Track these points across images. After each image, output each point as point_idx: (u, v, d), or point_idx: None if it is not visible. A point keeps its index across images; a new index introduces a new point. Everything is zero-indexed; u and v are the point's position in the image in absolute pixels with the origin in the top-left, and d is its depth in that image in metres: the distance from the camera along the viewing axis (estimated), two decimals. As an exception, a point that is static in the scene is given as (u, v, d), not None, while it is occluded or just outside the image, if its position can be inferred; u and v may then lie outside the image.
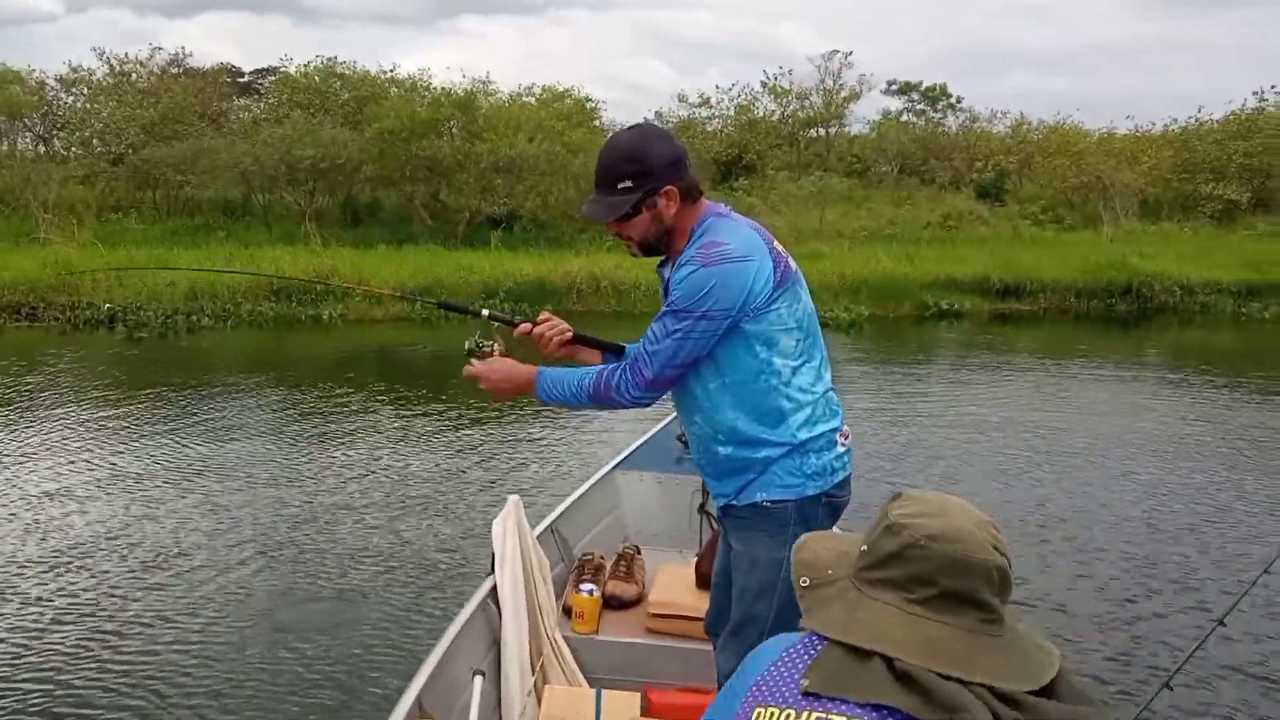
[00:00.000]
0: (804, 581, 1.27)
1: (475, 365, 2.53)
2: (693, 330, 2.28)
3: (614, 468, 4.58)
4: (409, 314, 16.35)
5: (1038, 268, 19.58)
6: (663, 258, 2.53)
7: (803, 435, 2.38)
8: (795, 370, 2.38)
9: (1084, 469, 7.91)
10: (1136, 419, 9.78)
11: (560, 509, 4.10)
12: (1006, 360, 13.62)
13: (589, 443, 8.53)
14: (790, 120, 32.05)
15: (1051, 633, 4.65)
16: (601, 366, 2.44)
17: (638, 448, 4.74)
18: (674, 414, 4.92)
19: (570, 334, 2.65)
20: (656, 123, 31.58)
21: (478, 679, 2.74)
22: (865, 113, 36.08)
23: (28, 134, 25.85)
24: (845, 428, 2.49)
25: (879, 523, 1.24)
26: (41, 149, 25.89)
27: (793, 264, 2.42)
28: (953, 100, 33.43)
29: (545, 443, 8.55)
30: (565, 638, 3.31)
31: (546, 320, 2.65)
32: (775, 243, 2.41)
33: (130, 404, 9.75)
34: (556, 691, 2.93)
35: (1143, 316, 18.50)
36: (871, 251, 21.11)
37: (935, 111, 33.71)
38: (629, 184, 2.33)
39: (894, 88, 34.15)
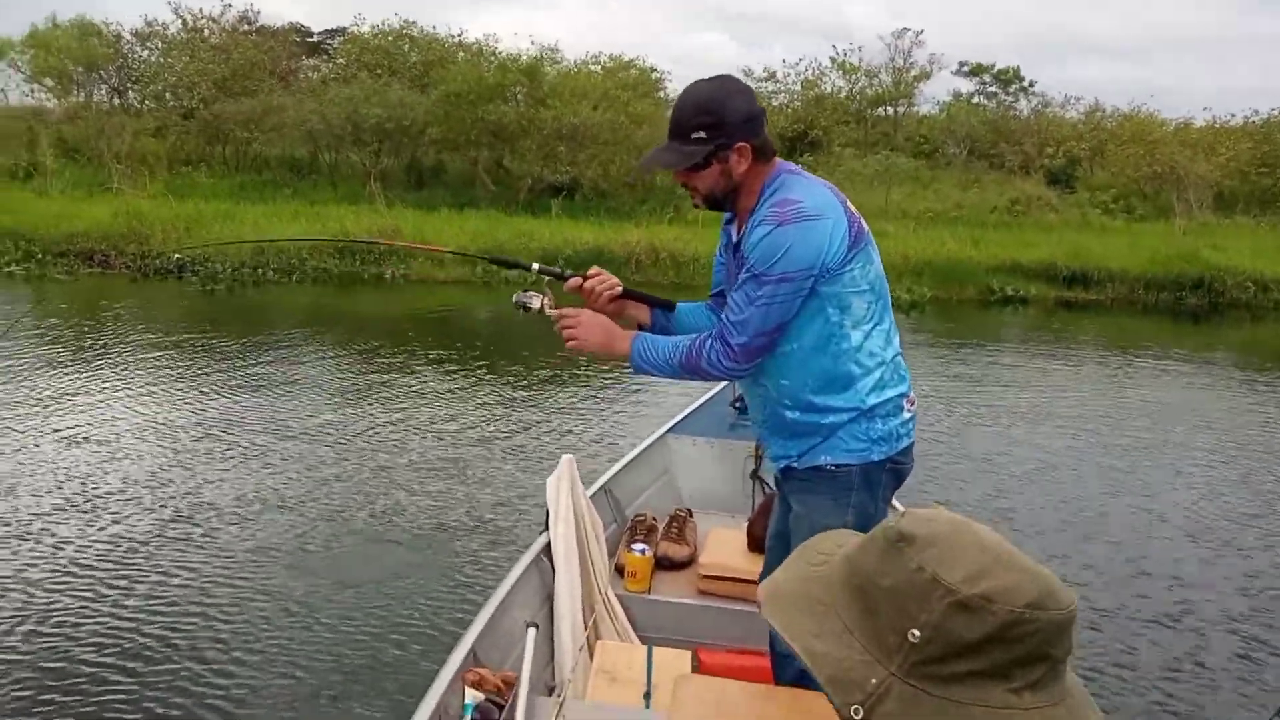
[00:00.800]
0: (855, 713, 0.90)
1: (567, 311, 2.47)
2: (776, 294, 2.23)
3: (667, 431, 4.59)
4: (470, 276, 16.46)
5: (1106, 256, 19.16)
6: (729, 215, 2.50)
7: (871, 400, 2.35)
8: (867, 334, 2.34)
9: (1147, 467, 7.66)
10: (1204, 417, 9.53)
11: (613, 470, 4.13)
12: (1071, 349, 13.40)
13: (642, 407, 8.55)
14: (858, 97, 31.63)
15: (1112, 644, 4.56)
16: (694, 336, 2.39)
17: (691, 413, 4.75)
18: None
19: (620, 289, 2.62)
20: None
21: (531, 631, 2.77)
22: (935, 93, 35.56)
23: (103, 86, 26.27)
24: (912, 394, 2.46)
25: (912, 587, 0.89)
26: (116, 101, 26.32)
27: (865, 225, 2.36)
28: (1025, 84, 32.82)
29: (598, 406, 8.59)
30: (617, 595, 3.33)
31: (597, 274, 2.61)
32: (848, 202, 2.36)
33: (194, 352, 9.94)
34: (608, 646, 2.95)
35: (1213, 311, 18.03)
36: (937, 233, 20.82)
37: (1007, 95, 33.10)
38: (703, 134, 2.28)
39: (965, 69, 33.59)
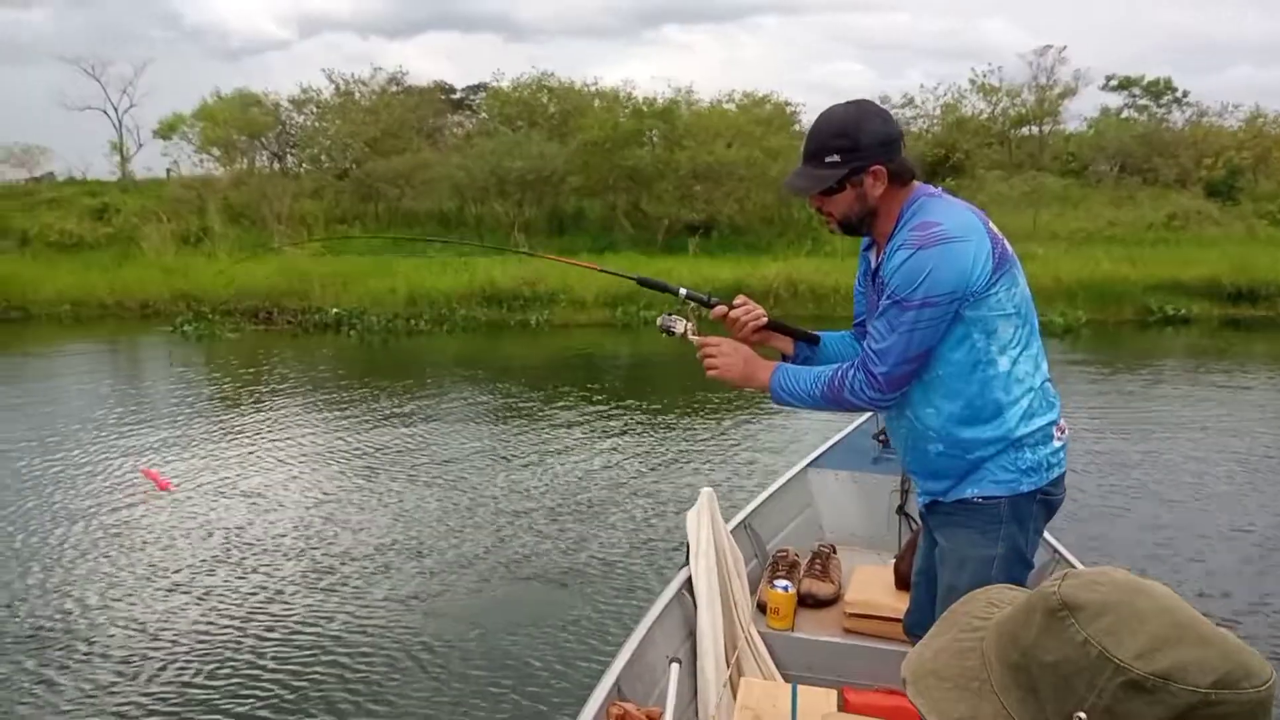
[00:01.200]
0: None
1: (709, 339, 2.45)
2: (919, 320, 2.16)
3: (807, 465, 4.53)
4: (610, 319, 16.75)
5: (1276, 270, 18.14)
6: (868, 241, 2.46)
7: (1020, 429, 2.26)
8: (1014, 360, 2.25)
9: None
10: None
11: (754, 505, 4.08)
12: (1240, 371, 12.63)
13: (783, 440, 8.47)
14: (1000, 118, 30.89)
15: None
16: (836, 366, 2.34)
17: (832, 446, 4.67)
18: (869, 413, 4.86)
19: (765, 319, 2.58)
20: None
21: (674, 667, 2.77)
22: (1082, 109, 34.32)
23: (264, 152, 27.84)
24: (1062, 421, 2.36)
25: (1078, 664, 0.79)
26: (276, 165, 27.84)
27: (1009, 246, 2.28)
28: (1178, 94, 31.46)
29: (739, 439, 8.55)
30: (760, 633, 3.31)
31: (743, 304, 2.58)
32: (990, 223, 2.28)
33: (345, 403, 10.34)
34: (752, 684, 2.93)
35: (1396, 323, 16.85)
36: (1089, 253, 20.08)
37: (1159, 106, 31.78)
38: (836, 158, 2.23)
39: (1113, 83, 32.41)
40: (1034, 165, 27.94)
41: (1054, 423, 2.33)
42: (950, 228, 2.16)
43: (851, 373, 2.28)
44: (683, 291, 2.59)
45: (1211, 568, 5.59)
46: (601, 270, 3.02)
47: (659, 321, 2.53)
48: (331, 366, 13.26)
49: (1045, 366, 2.36)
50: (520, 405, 10.23)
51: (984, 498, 2.31)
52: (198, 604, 5.08)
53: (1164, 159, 28.48)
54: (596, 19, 69.73)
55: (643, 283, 2.77)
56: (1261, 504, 6.85)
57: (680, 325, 2.50)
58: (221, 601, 5.13)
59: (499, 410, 9.95)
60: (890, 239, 2.27)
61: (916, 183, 2.32)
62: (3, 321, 17.26)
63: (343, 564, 5.64)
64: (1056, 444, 2.33)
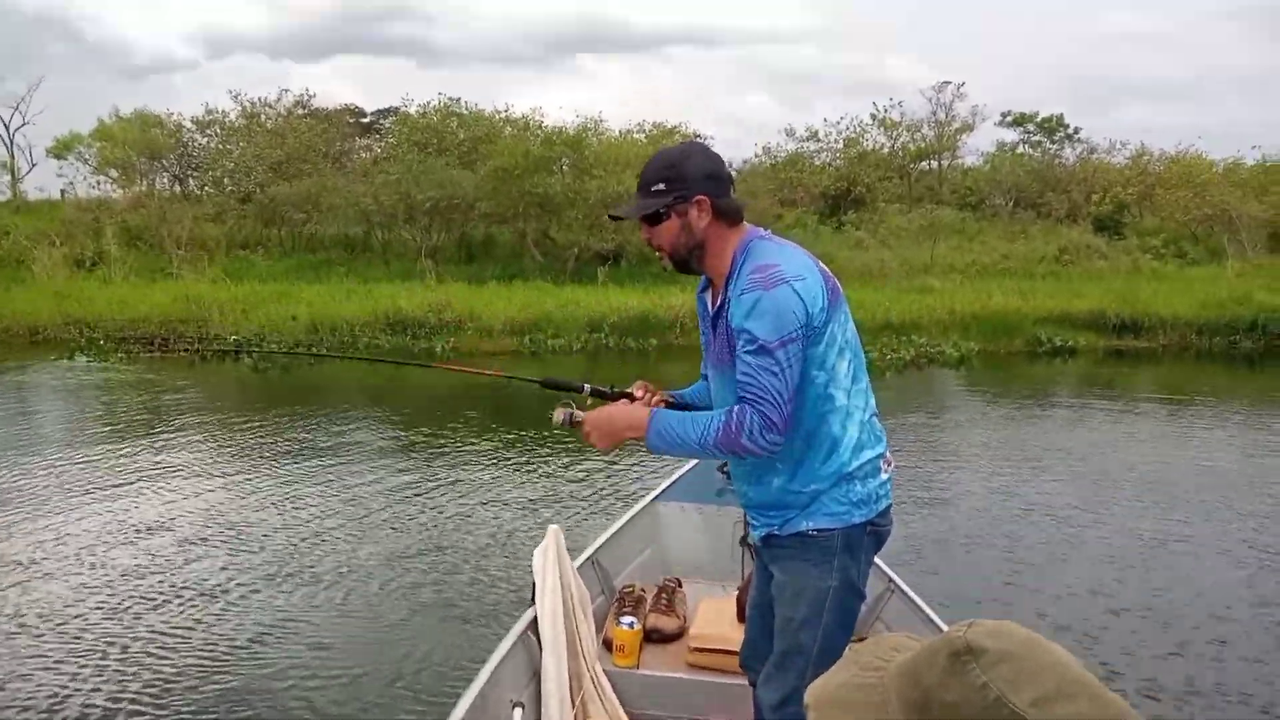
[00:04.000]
0: None
1: (582, 413, 2.49)
2: (788, 358, 2.23)
3: (655, 499, 4.56)
4: (519, 347, 16.73)
5: (1157, 302, 18.89)
6: (704, 282, 2.55)
7: (852, 462, 2.37)
8: (849, 393, 2.37)
9: (1206, 534, 6.95)
10: (1268, 470, 9.00)
11: (601, 540, 4.12)
12: (1124, 400, 13.05)
13: (629, 473, 8.45)
14: (901, 153, 31.72)
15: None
16: (722, 412, 2.30)
17: (678, 479, 4.69)
18: None
19: (668, 400, 2.67)
20: (764, 157, 31.66)
21: (517, 711, 2.80)
22: (979, 144, 35.47)
23: (165, 174, 27.30)
24: (889, 454, 2.46)
25: (976, 706, 0.84)
26: (177, 188, 27.30)
27: (838, 283, 2.39)
28: (1069, 131, 32.68)
29: (585, 473, 8.50)
30: (606, 671, 3.35)
31: (643, 393, 2.64)
32: (820, 262, 2.40)
33: (241, 431, 10.17)
34: (595, 724, 2.99)
35: (1269, 354, 17.63)
36: (984, 286, 20.71)
37: (1052, 143, 32.96)
38: (661, 187, 2.38)
39: (1009, 119, 33.55)
40: (933, 199, 28.74)
41: (882, 455, 2.43)
42: (786, 268, 2.27)
43: (748, 418, 2.24)
44: (586, 388, 2.67)
45: (1089, 612, 5.55)
46: (507, 377, 3.01)
47: (557, 418, 2.51)
48: (224, 395, 13.02)
49: (873, 401, 2.47)
50: (397, 438, 10.07)
51: (818, 530, 2.38)
52: (70, 641, 4.97)
53: (1055, 194, 29.51)
54: (511, 46, 69.85)
55: (548, 385, 2.79)
56: (1142, 544, 6.80)
57: (580, 416, 2.50)
58: (90, 635, 5.02)
59: (373, 445, 9.71)
60: (729, 283, 2.36)
61: (748, 225, 2.43)
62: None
63: (201, 595, 5.55)
64: (884, 476, 2.43)
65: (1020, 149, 33.44)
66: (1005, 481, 8.47)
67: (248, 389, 13.72)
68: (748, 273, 2.29)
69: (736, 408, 2.27)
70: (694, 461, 4.80)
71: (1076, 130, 32.80)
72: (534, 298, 18.95)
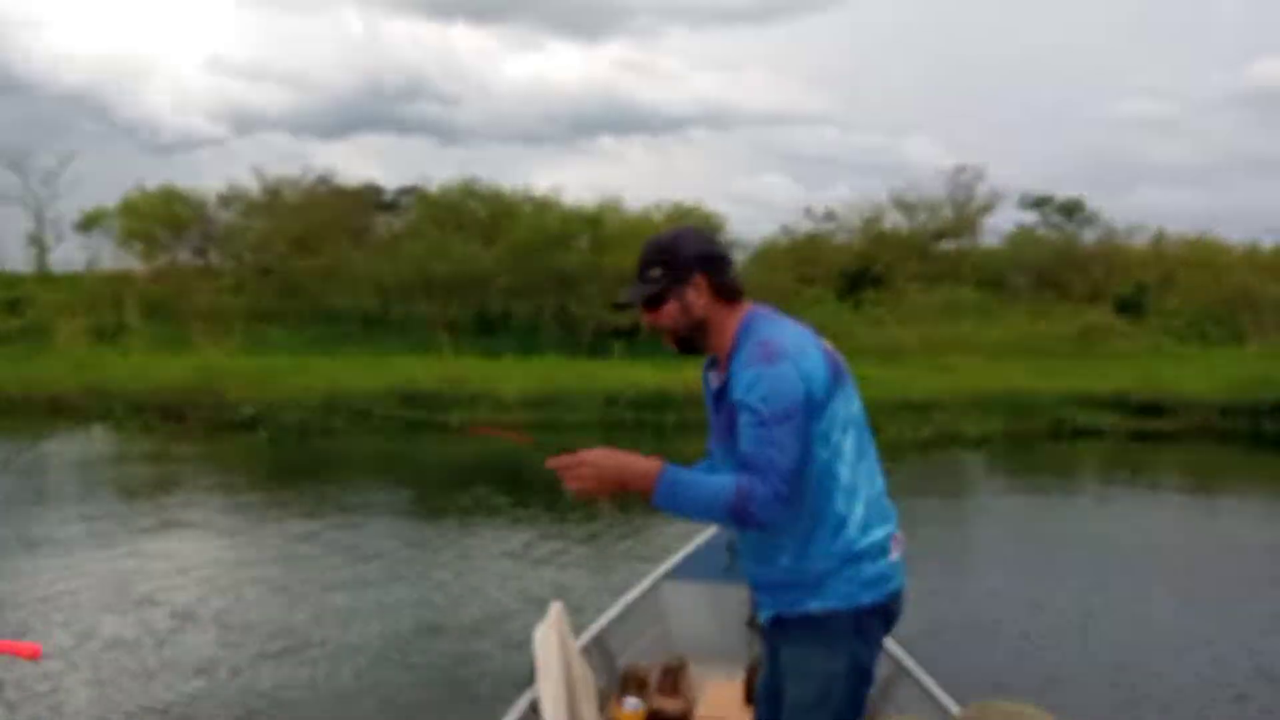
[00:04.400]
0: None
1: (567, 458, 2.29)
2: (791, 432, 2.20)
3: (660, 577, 4.49)
4: (534, 419, 16.64)
5: (1180, 383, 18.73)
6: (709, 360, 2.52)
7: (860, 542, 2.32)
8: (853, 470, 2.33)
9: (1233, 627, 6.69)
10: None
11: (605, 619, 4.05)
12: (1148, 484, 12.85)
13: (634, 551, 8.31)
14: (920, 232, 31.85)
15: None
16: (734, 478, 2.21)
17: (685, 557, 4.63)
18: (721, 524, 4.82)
19: None
20: (782, 237, 31.83)
21: None
22: (998, 224, 35.49)
23: (187, 248, 27.66)
24: (899, 533, 2.40)
25: None
26: (199, 261, 27.63)
27: (842, 360, 2.40)
28: (1088, 214, 32.79)
29: (590, 548, 8.39)
30: None
31: None
32: (823, 339, 2.40)
33: (248, 504, 10.09)
34: (602, 815, 2.83)
35: (1294, 436, 17.38)
36: (1005, 365, 20.58)
37: (1071, 224, 33.06)
38: (658, 271, 2.41)
39: (1028, 202, 33.71)
40: (953, 278, 28.74)
41: (891, 534, 2.38)
42: (788, 344, 2.27)
43: (757, 487, 2.17)
44: None
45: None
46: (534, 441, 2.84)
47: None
48: (242, 467, 12.97)
49: (881, 480, 2.41)
50: (403, 512, 10.07)
51: (826, 612, 2.32)
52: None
53: (1077, 274, 29.50)
54: (533, 126, 70.91)
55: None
56: (1169, 634, 6.64)
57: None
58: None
59: (380, 518, 9.62)
60: (732, 359, 2.35)
61: (750, 303, 2.45)
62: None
63: (209, 666, 5.41)
64: (894, 557, 2.38)
65: (1040, 230, 33.54)
66: (1024, 566, 8.29)
67: (261, 461, 13.64)
68: (749, 348, 2.31)
69: (747, 476, 2.21)
70: (701, 539, 4.71)
71: (1095, 213, 32.96)
72: (550, 371, 18.98)
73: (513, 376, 18.21)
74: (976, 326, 25.14)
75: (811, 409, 2.24)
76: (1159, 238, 31.09)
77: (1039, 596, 7.31)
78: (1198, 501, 11.84)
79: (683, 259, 2.40)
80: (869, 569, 2.32)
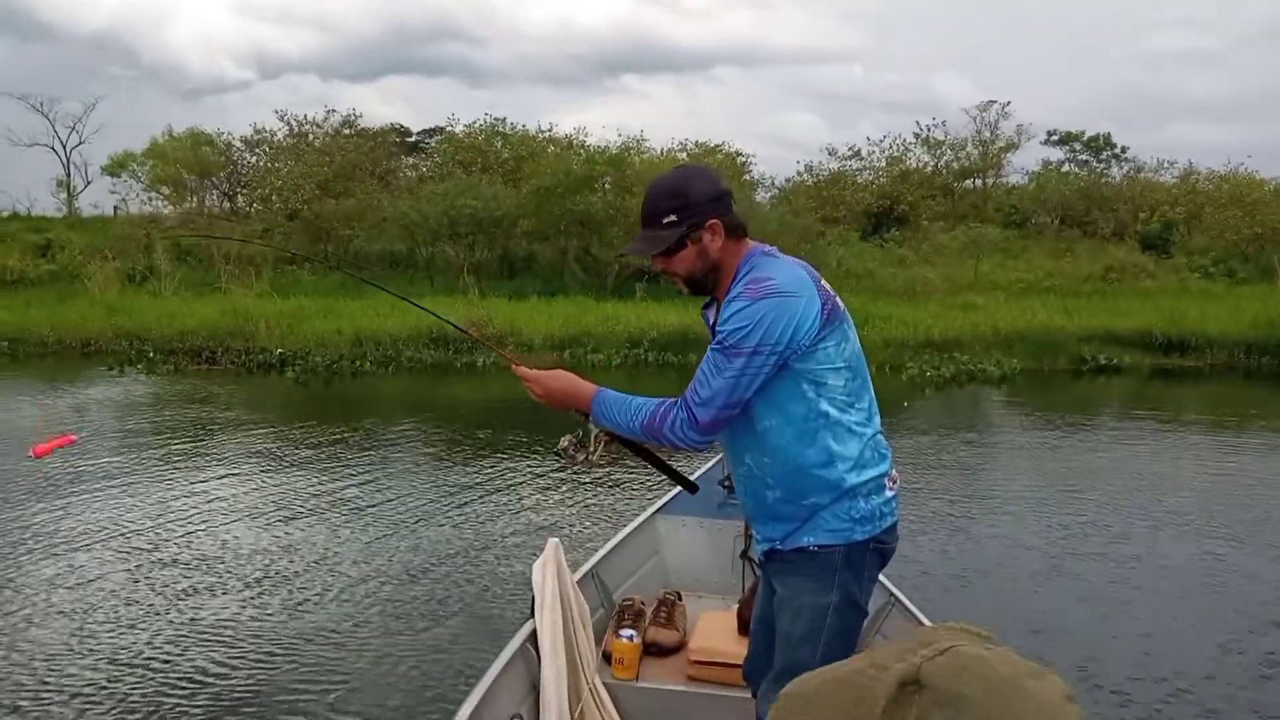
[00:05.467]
0: None
1: (527, 370, 2.55)
2: (746, 367, 2.26)
3: (655, 512, 4.57)
4: (560, 363, 16.77)
5: (1205, 321, 18.59)
6: (708, 300, 2.55)
7: (852, 479, 2.36)
8: (844, 411, 2.36)
9: (1252, 561, 6.71)
10: None
11: (601, 553, 4.14)
12: (1170, 420, 12.76)
13: (631, 487, 8.35)
14: (944, 171, 31.51)
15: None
16: (660, 400, 2.38)
17: (680, 492, 4.69)
18: (717, 457, 4.91)
19: None
20: (806, 176, 31.58)
21: None
22: (1024, 163, 35.04)
23: (214, 191, 27.85)
24: (894, 472, 2.46)
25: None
26: (226, 205, 27.84)
27: (840, 303, 2.40)
28: (1117, 150, 32.32)
29: (589, 488, 8.37)
30: (605, 684, 3.36)
31: None
32: (822, 280, 2.39)
33: (282, 443, 10.34)
34: (593, 735, 3.01)
35: (1320, 374, 17.27)
36: (1028, 304, 20.51)
37: (1098, 161, 32.59)
38: (673, 218, 2.36)
39: (1054, 138, 33.23)
40: (977, 217, 28.51)
41: (886, 474, 2.42)
42: (782, 283, 2.29)
43: (674, 412, 2.33)
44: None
45: (1120, 635, 5.45)
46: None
47: (561, 444, 2.63)
48: (274, 407, 13.24)
49: (878, 420, 2.47)
50: (419, 451, 10.08)
51: (819, 546, 2.38)
52: (106, 661, 5.07)
53: (1102, 213, 29.16)
54: (558, 66, 70.35)
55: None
56: (1190, 565, 6.69)
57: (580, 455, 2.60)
58: (136, 643, 5.11)
59: (396, 457, 9.73)
60: (727, 294, 2.38)
61: (752, 241, 2.46)
62: (-64, 357, 17.10)
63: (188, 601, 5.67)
64: (889, 494, 2.43)
65: (1066, 167, 33.11)
66: (1043, 502, 8.30)
67: (290, 401, 13.93)
68: (743, 283, 2.33)
69: (671, 399, 2.34)
70: (695, 474, 4.80)
71: (1124, 149, 32.49)
72: (574, 313, 19.10)
73: (537, 319, 18.37)
74: (1000, 265, 25.02)
75: (795, 349, 2.28)
76: (1189, 174, 30.61)
77: (1055, 534, 7.32)
78: (1222, 437, 11.76)
79: (697, 203, 2.37)
80: (862, 505, 2.37)
